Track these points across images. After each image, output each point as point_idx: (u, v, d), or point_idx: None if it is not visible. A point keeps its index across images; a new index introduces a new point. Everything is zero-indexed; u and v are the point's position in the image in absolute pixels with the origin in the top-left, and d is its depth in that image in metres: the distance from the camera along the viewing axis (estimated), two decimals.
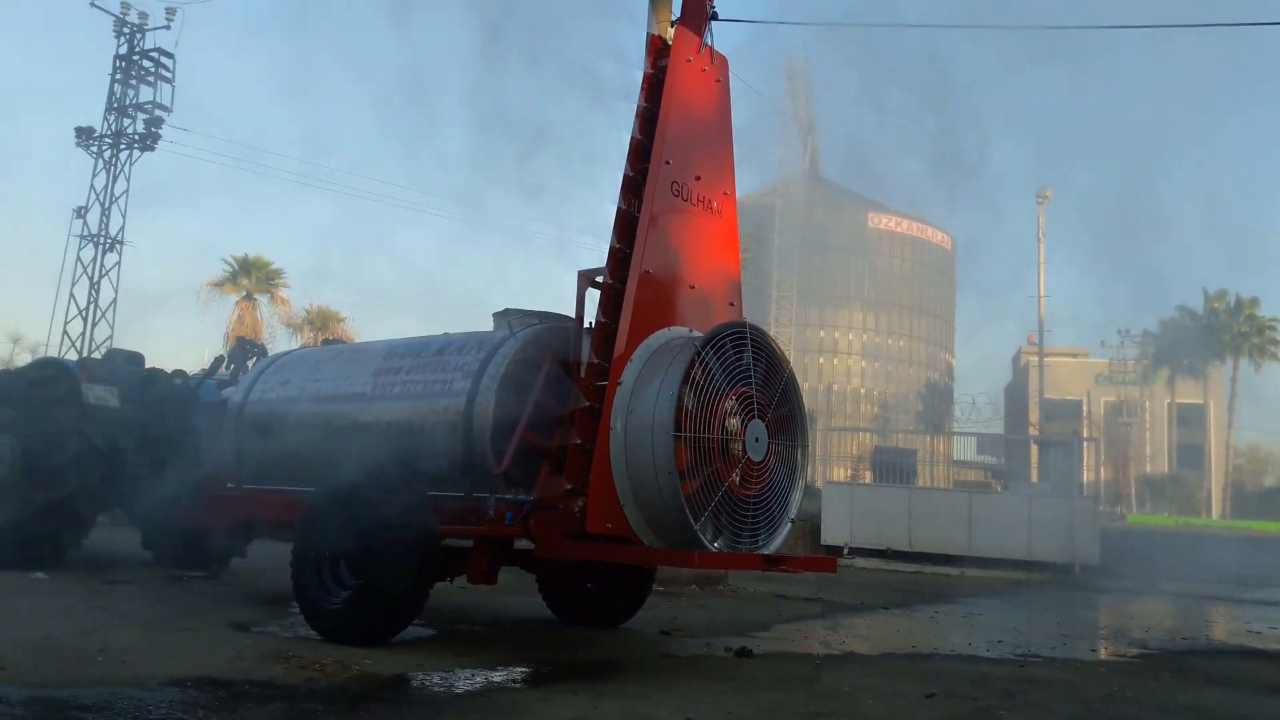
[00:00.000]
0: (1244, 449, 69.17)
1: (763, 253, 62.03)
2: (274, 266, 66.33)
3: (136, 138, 25.41)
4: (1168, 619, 10.52)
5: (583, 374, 5.11)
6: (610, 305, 5.19)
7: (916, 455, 21.49)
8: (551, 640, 5.75)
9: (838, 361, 65.43)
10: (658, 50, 5.66)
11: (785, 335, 60.69)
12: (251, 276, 66.69)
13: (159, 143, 25.62)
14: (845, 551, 18.43)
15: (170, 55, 26.09)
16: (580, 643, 5.68)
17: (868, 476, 23.32)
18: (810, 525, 18.95)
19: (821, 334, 64.65)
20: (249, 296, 66.98)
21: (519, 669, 4.76)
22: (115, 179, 25.35)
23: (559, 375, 5.33)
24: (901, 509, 18.49)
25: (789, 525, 5.35)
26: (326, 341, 7.30)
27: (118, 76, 25.63)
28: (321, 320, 68.94)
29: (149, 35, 25.85)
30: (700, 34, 5.73)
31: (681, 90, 5.55)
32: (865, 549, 18.40)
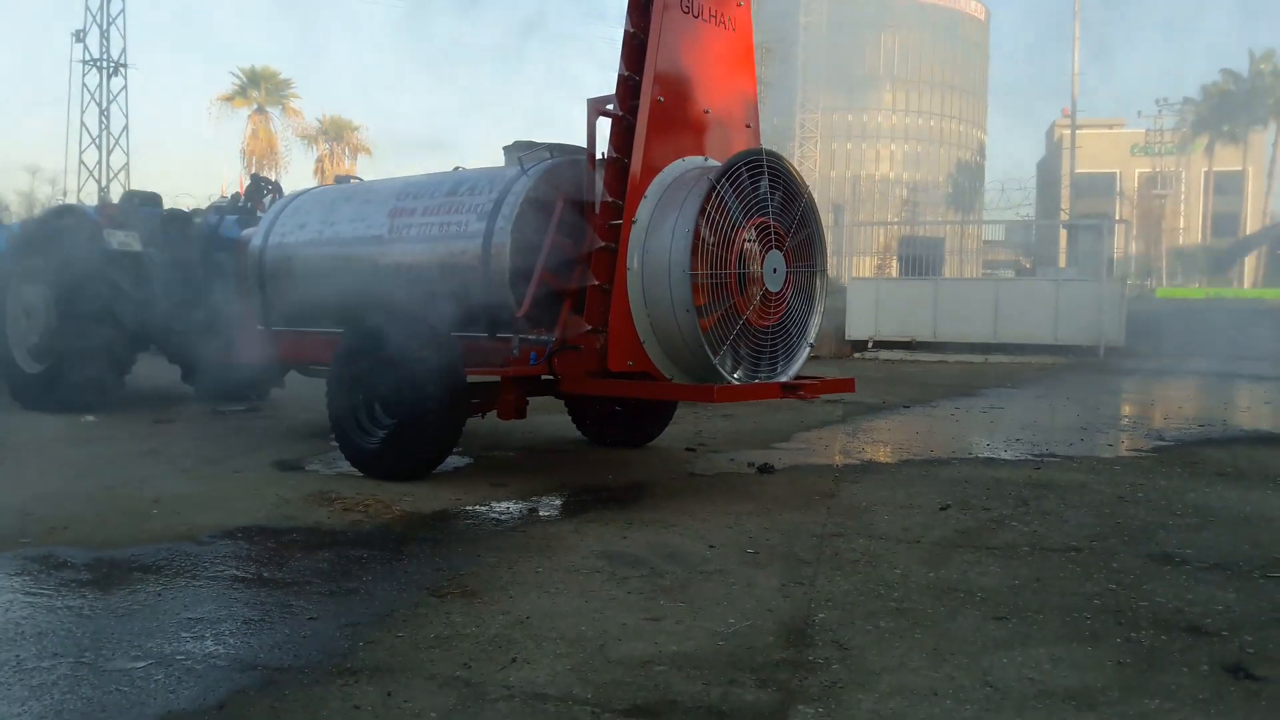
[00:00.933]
0: None
1: (788, 35, 59.63)
2: (283, 77, 64.40)
3: None
4: (1188, 403, 10.70)
5: (597, 211, 5.07)
6: (622, 138, 5.08)
7: (944, 244, 21.28)
8: (581, 464, 5.99)
9: (866, 146, 63.95)
10: None
11: (813, 121, 59.24)
12: (261, 88, 65.21)
13: None
14: (870, 345, 18.68)
15: None
16: (609, 465, 5.92)
17: (895, 268, 23.25)
18: (835, 321, 19.12)
19: (850, 118, 62.89)
20: (260, 109, 65.71)
21: (552, 499, 4.99)
22: None
23: (573, 213, 5.30)
24: (927, 300, 18.55)
25: (808, 349, 5.43)
26: (338, 179, 7.25)
27: None
28: (335, 130, 67.81)
29: None
30: None
31: None
32: (890, 342, 18.61)
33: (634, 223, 4.99)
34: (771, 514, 4.60)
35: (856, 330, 18.78)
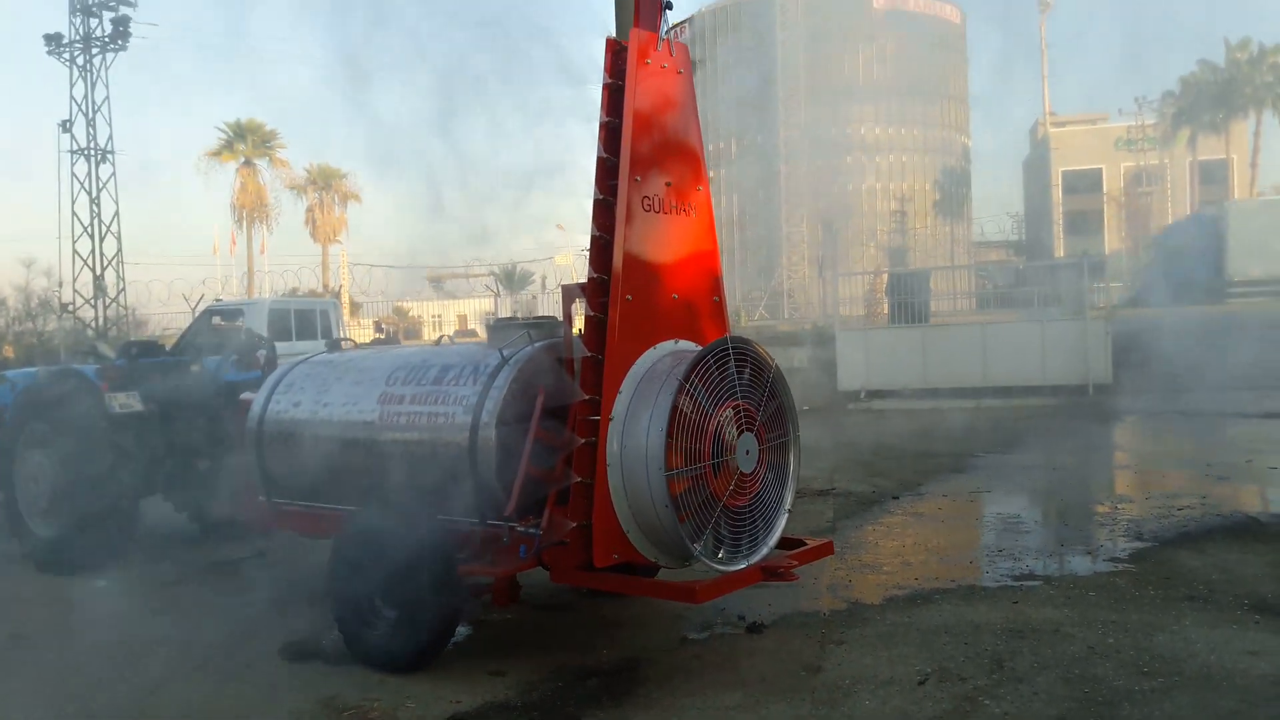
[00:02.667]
0: (1270, 190, 68.21)
1: (766, 51, 60.07)
2: (268, 128, 64.80)
3: (106, 39, 24.69)
4: (1171, 468, 10.94)
5: (575, 408, 5.32)
6: (594, 335, 5.33)
7: (929, 280, 21.57)
8: (576, 631, 6.21)
9: (851, 160, 64.27)
10: (615, 53, 5.53)
11: (795, 138, 59.61)
12: (247, 141, 65.55)
13: (129, 41, 24.89)
14: (862, 395, 18.94)
15: None
16: (602, 630, 6.15)
17: (884, 304, 23.42)
18: (828, 373, 19.40)
19: (833, 131, 63.20)
20: (247, 162, 66.05)
21: (548, 687, 5.22)
22: (94, 86, 24.85)
23: (556, 401, 5.54)
24: (916, 348, 18.87)
25: (786, 516, 5.67)
26: (330, 344, 7.51)
27: None
28: (324, 178, 68.13)
29: None
30: (656, 28, 5.58)
31: (643, 97, 5.46)
32: (883, 390, 18.88)
33: (610, 420, 5.25)
34: (759, 707, 4.82)
35: (848, 381, 19.08)
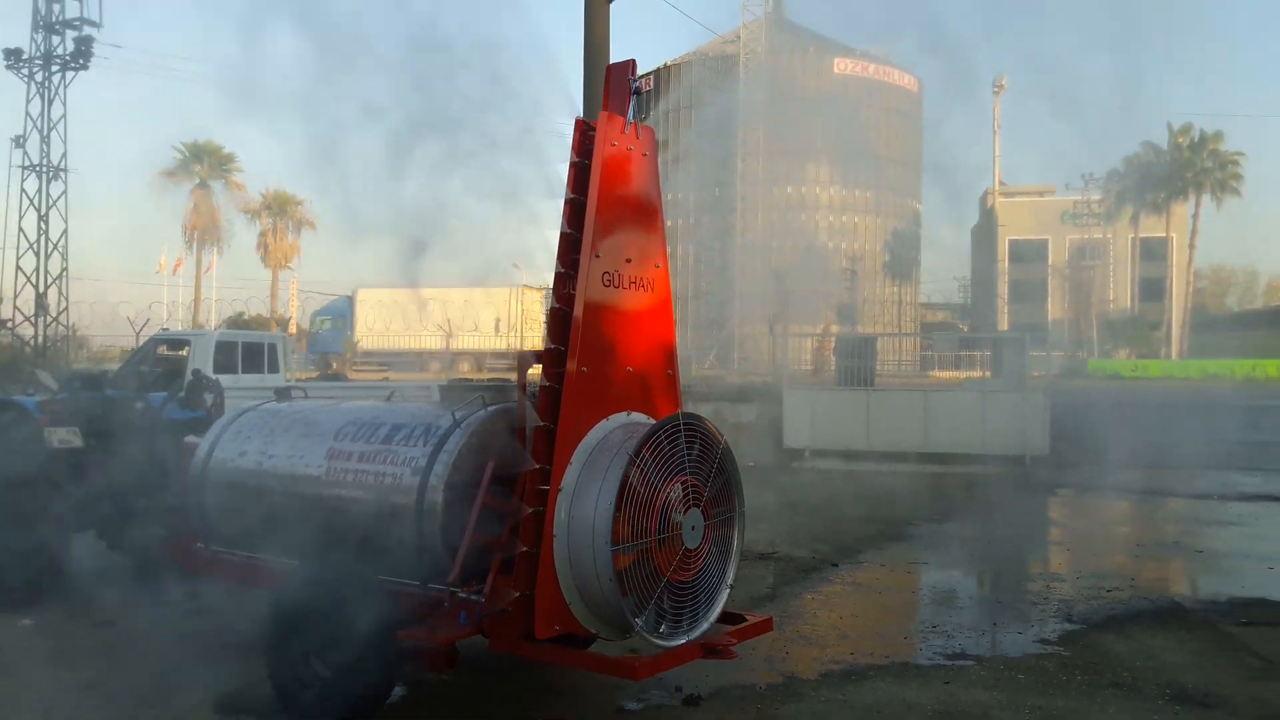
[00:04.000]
0: (1207, 271, 70.66)
1: (726, 106, 61.07)
2: (226, 151, 64.17)
3: (68, 58, 24.41)
4: (1102, 548, 11.21)
5: (525, 475, 5.37)
6: (548, 405, 5.40)
7: (876, 345, 21.94)
8: (511, 697, 6.20)
9: (805, 217, 65.30)
10: (583, 133, 5.66)
11: (753, 194, 60.59)
12: (204, 163, 64.88)
13: (92, 61, 24.63)
14: (806, 454, 19.16)
15: None
16: (539, 696, 6.15)
17: (831, 359, 23.73)
18: (774, 430, 19.61)
19: (789, 189, 64.28)
20: (203, 184, 65.28)
21: None
22: (51, 103, 24.54)
23: (506, 468, 5.58)
24: (860, 409, 19.13)
25: (728, 591, 5.75)
26: (279, 393, 7.47)
27: None
28: (279, 205, 67.53)
29: None
30: (624, 113, 5.73)
31: (608, 177, 5.59)
32: (826, 450, 19.11)
33: (560, 490, 5.30)
34: None
35: (794, 439, 19.30)
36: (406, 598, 5.65)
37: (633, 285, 5.76)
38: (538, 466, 5.32)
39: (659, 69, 64.78)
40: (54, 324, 24.63)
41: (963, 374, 27.97)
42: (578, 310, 5.42)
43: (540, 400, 5.42)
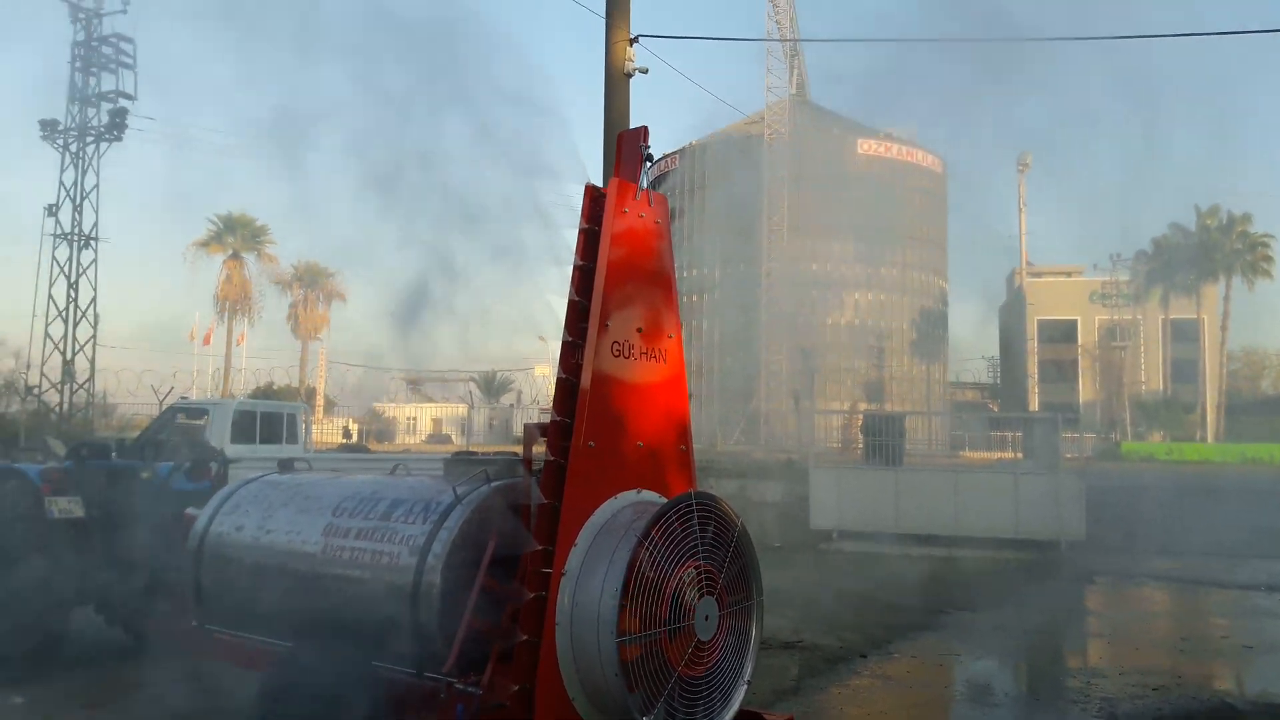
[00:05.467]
0: (1239, 353, 69.59)
1: (751, 184, 61.66)
2: (259, 223, 65.35)
3: (102, 129, 24.91)
4: (1145, 640, 10.65)
5: (528, 559, 5.05)
6: (552, 482, 5.10)
7: (904, 423, 21.49)
8: None
9: (830, 294, 65.29)
10: (593, 199, 5.47)
11: (778, 271, 60.77)
12: (237, 234, 66.03)
13: (125, 133, 25.12)
14: (834, 535, 18.64)
15: (130, 40, 25.43)
16: None
17: (859, 436, 23.28)
18: (800, 510, 19.14)
19: (815, 267, 64.44)
20: (235, 255, 66.33)
21: None
22: (84, 173, 24.97)
23: (508, 549, 5.27)
24: (889, 490, 18.63)
25: (745, 687, 5.35)
26: (282, 464, 7.23)
27: (78, 65, 25.03)
28: (310, 276, 68.48)
29: (106, 21, 25.18)
30: (636, 179, 5.54)
31: (618, 243, 5.37)
32: (854, 531, 18.60)
33: (564, 574, 4.97)
34: None
35: (821, 520, 18.79)
36: (401, 687, 5.30)
37: (644, 356, 5.50)
38: (540, 548, 5.01)
39: (683, 148, 65.63)
40: (80, 391, 24.76)
41: (994, 455, 27.32)
42: (585, 381, 5.15)
43: (544, 476, 5.12)
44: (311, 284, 65.75)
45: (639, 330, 5.49)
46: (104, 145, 24.91)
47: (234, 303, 62.90)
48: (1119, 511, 19.36)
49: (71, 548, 7.84)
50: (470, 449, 5.80)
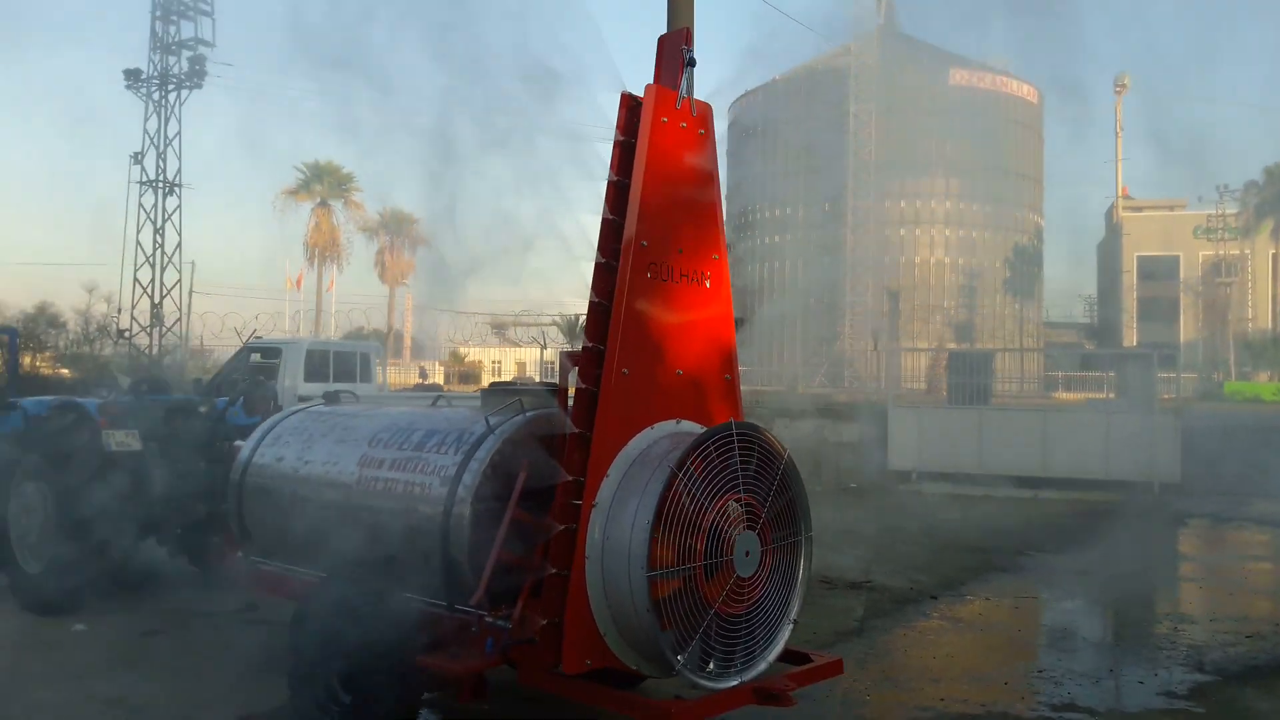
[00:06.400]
0: None
1: (837, 120, 60.03)
2: (345, 171, 66.25)
3: (183, 77, 25.24)
4: (1238, 584, 10.02)
5: (558, 489, 4.80)
6: (584, 410, 4.83)
7: (993, 361, 20.71)
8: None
9: (920, 232, 63.44)
10: (629, 108, 5.09)
11: (864, 209, 59.28)
12: (324, 182, 67.00)
13: (205, 80, 25.42)
14: (913, 476, 18.14)
15: None
16: None
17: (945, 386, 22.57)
18: (877, 451, 18.66)
19: (903, 204, 62.67)
20: (323, 203, 67.45)
21: None
22: (167, 121, 25.39)
23: (540, 481, 5.02)
24: (972, 430, 18.02)
25: (791, 626, 5.05)
26: (328, 396, 7.12)
27: (158, 14, 25.32)
28: (395, 223, 69.30)
29: None
30: (676, 86, 5.14)
31: (657, 157, 5.00)
32: (935, 472, 18.06)
33: (595, 506, 4.71)
34: None
35: (899, 460, 18.29)
36: (433, 620, 5.13)
37: (685, 279, 5.15)
38: (570, 479, 4.75)
39: (765, 84, 64.00)
40: (169, 334, 25.50)
41: (1087, 396, 26.27)
42: (619, 305, 4.83)
43: (575, 405, 4.85)
44: (397, 230, 66.45)
45: (679, 251, 5.14)
46: (185, 92, 25.34)
47: (323, 249, 64.01)
48: (1218, 453, 18.34)
49: (128, 479, 7.89)
50: (512, 380, 5.58)
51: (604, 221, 5.00)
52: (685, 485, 4.59)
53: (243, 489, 6.52)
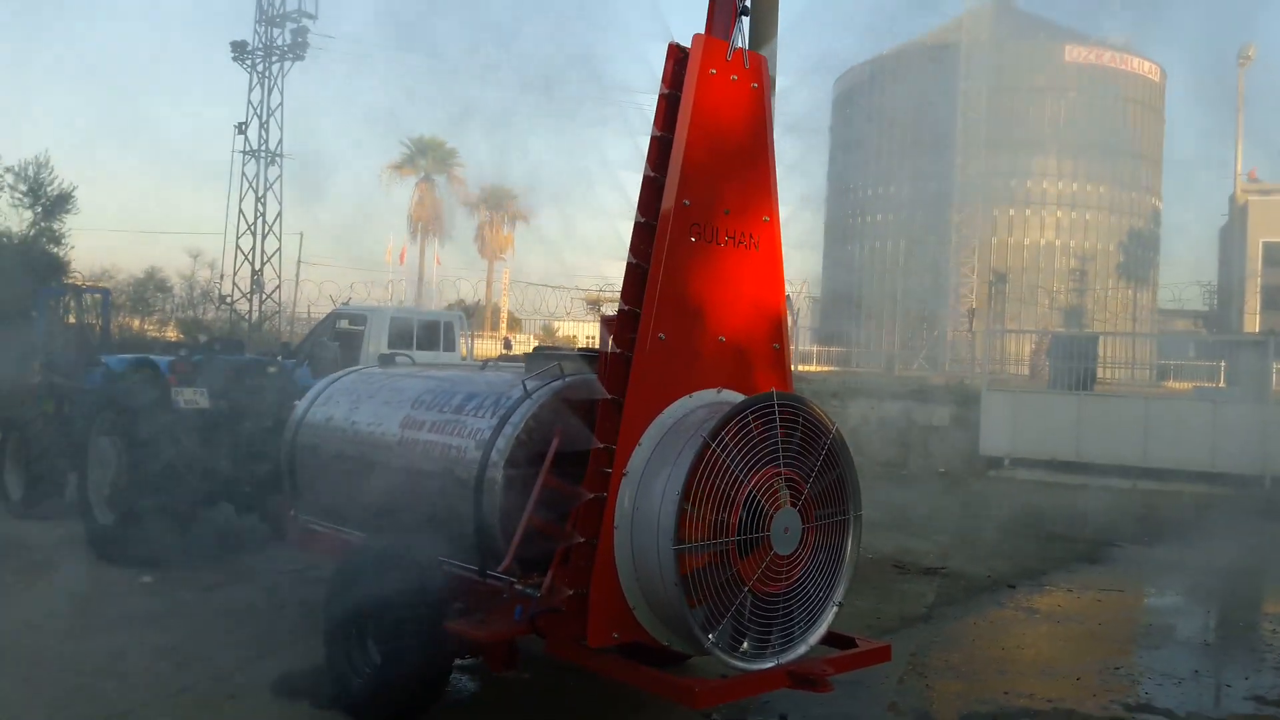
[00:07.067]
0: None
1: (945, 97, 58.25)
2: (448, 146, 67.24)
3: (286, 48, 25.81)
4: None
5: (590, 455, 4.63)
6: (617, 376, 4.63)
7: (1097, 346, 19.78)
8: (592, 703, 5.50)
9: (1030, 213, 61.21)
10: (676, 60, 4.85)
11: (972, 187, 57.39)
12: (428, 157, 68.25)
13: (308, 51, 25.95)
14: (1006, 462, 17.50)
15: None
16: (623, 702, 5.41)
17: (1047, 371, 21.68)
18: (969, 436, 18.08)
19: (1013, 183, 60.47)
20: (427, 177, 68.72)
21: None
22: (270, 92, 26.02)
23: (574, 447, 4.86)
24: (1070, 416, 17.23)
25: (835, 609, 4.78)
26: (382, 359, 7.09)
27: None
28: (495, 199, 70.15)
29: None
30: (728, 37, 4.87)
31: (703, 111, 4.75)
32: (1029, 459, 17.37)
33: (625, 475, 4.53)
34: None
35: (991, 445, 17.62)
36: (464, 585, 5.04)
37: (730, 241, 4.89)
38: (602, 446, 4.57)
39: (871, 59, 62.35)
40: (268, 301, 26.30)
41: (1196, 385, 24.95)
42: (657, 267, 4.62)
43: (609, 370, 4.66)
44: (496, 206, 67.24)
45: (726, 212, 4.88)
46: (288, 64, 25.96)
47: (426, 224, 65.21)
48: None
49: (195, 437, 8.03)
50: (556, 345, 5.44)
51: (645, 179, 4.78)
52: (720, 456, 4.37)
53: (295, 448, 6.55)
